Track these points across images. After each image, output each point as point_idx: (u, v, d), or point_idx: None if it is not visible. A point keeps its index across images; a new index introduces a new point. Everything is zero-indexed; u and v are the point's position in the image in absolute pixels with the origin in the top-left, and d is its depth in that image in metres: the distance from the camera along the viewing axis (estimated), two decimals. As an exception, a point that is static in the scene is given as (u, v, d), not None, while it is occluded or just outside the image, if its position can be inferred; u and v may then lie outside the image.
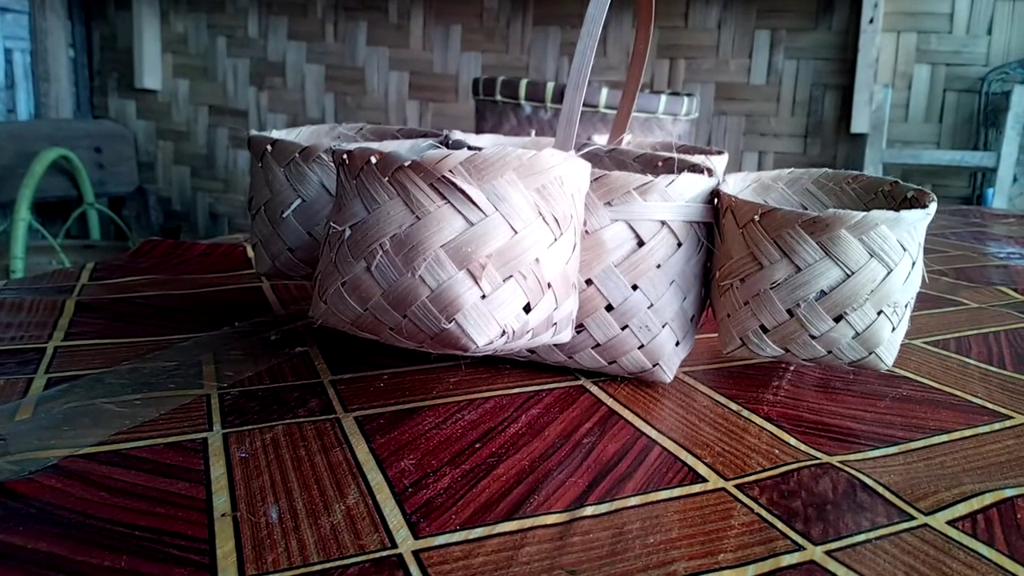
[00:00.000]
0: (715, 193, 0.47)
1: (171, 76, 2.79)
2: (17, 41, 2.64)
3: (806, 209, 0.53)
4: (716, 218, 0.47)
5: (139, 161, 2.84)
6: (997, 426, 0.45)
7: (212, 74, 2.74)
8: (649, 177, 0.44)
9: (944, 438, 0.43)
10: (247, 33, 2.68)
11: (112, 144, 2.70)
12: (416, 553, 0.30)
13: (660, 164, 0.59)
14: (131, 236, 2.67)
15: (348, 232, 0.39)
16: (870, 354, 0.44)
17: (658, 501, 0.35)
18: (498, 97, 1.59)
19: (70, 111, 2.81)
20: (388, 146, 0.54)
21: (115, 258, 0.76)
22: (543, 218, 0.38)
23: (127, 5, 2.73)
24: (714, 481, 0.37)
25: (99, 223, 2.68)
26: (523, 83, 1.56)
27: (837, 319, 0.42)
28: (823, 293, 0.42)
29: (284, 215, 0.52)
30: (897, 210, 0.42)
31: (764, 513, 0.34)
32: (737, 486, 0.37)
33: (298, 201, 0.52)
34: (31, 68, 2.70)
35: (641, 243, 0.45)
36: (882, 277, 0.42)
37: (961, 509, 0.35)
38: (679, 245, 0.45)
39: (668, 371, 0.47)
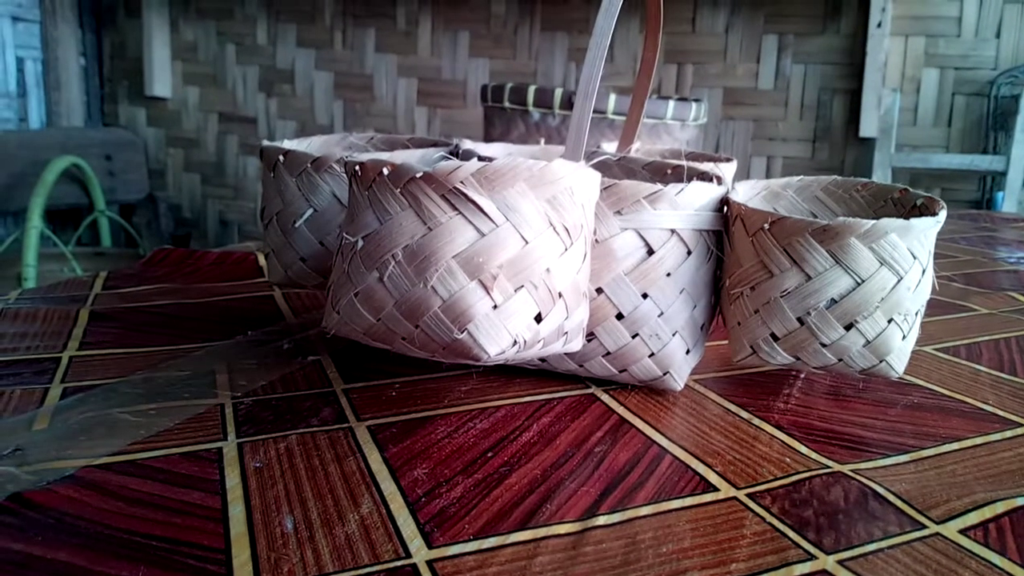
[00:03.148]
0: (724, 201, 0.47)
1: (181, 84, 2.81)
2: (29, 50, 2.66)
3: (816, 217, 0.53)
4: (726, 226, 0.47)
5: (149, 168, 2.85)
6: (1009, 434, 0.45)
7: (221, 81, 2.76)
8: (659, 186, 0.44)
9: (955, 446, 0.43)
10: (256, 41, 2.69)
11: (122, 152, 2.72)
12: (430, 563, 0.31)
13: (669, 172, 0.59)
14: (141, 243, 2.69)
15: (361, 243, 0.39)
16: (881, 362, 0.44)
17: (670, 510, 0.35)
18: (506, 104, 1.59)
19: (81, 119, 2.83)
20: (399, 156, 0.55)
21: (128, 267, 0.76)
22: (554, 228, 0.39)
23: (137, 13, 2.75)
24: (726, 490, 0.37)
25: (110, 230, 2.70)
26: (531, 89, 1.56)
27: (848, 327, 0.43)
28: (833, 301, 0.42)
29: (296, 225, 0.53)
30: (907, 218, 0.42)
31: (776, 522, 0.34)
32: (749, 495, 0.37)
33: (310, 211, 0.52)
34: (42, 77, 2.72)
35: (651, 252, 0.45)
36: (892, 285, 0.42)
37: (973, 518, 0.35)
38: (689, 253, 0.46)
39: (679, 379, 0.47)
